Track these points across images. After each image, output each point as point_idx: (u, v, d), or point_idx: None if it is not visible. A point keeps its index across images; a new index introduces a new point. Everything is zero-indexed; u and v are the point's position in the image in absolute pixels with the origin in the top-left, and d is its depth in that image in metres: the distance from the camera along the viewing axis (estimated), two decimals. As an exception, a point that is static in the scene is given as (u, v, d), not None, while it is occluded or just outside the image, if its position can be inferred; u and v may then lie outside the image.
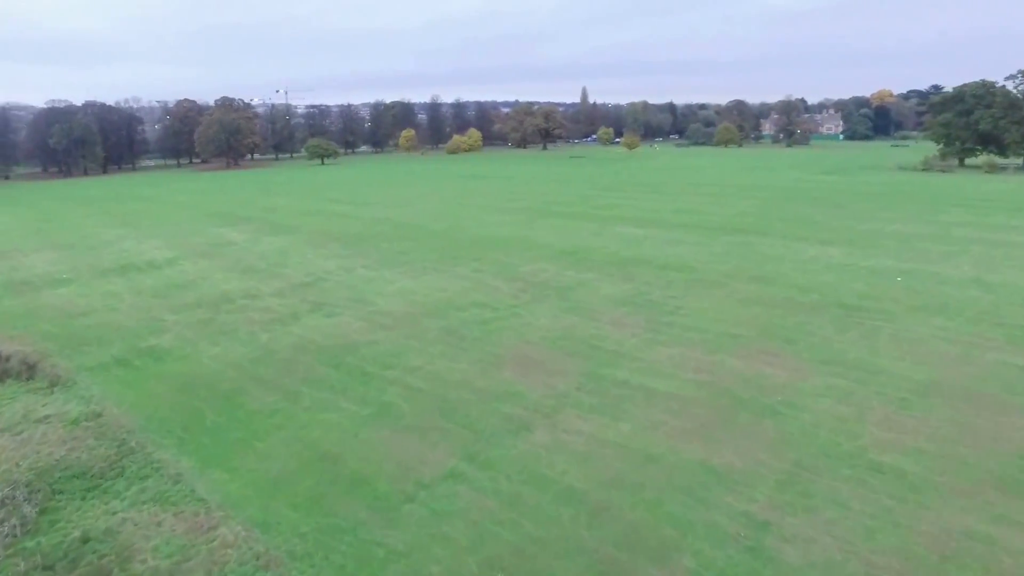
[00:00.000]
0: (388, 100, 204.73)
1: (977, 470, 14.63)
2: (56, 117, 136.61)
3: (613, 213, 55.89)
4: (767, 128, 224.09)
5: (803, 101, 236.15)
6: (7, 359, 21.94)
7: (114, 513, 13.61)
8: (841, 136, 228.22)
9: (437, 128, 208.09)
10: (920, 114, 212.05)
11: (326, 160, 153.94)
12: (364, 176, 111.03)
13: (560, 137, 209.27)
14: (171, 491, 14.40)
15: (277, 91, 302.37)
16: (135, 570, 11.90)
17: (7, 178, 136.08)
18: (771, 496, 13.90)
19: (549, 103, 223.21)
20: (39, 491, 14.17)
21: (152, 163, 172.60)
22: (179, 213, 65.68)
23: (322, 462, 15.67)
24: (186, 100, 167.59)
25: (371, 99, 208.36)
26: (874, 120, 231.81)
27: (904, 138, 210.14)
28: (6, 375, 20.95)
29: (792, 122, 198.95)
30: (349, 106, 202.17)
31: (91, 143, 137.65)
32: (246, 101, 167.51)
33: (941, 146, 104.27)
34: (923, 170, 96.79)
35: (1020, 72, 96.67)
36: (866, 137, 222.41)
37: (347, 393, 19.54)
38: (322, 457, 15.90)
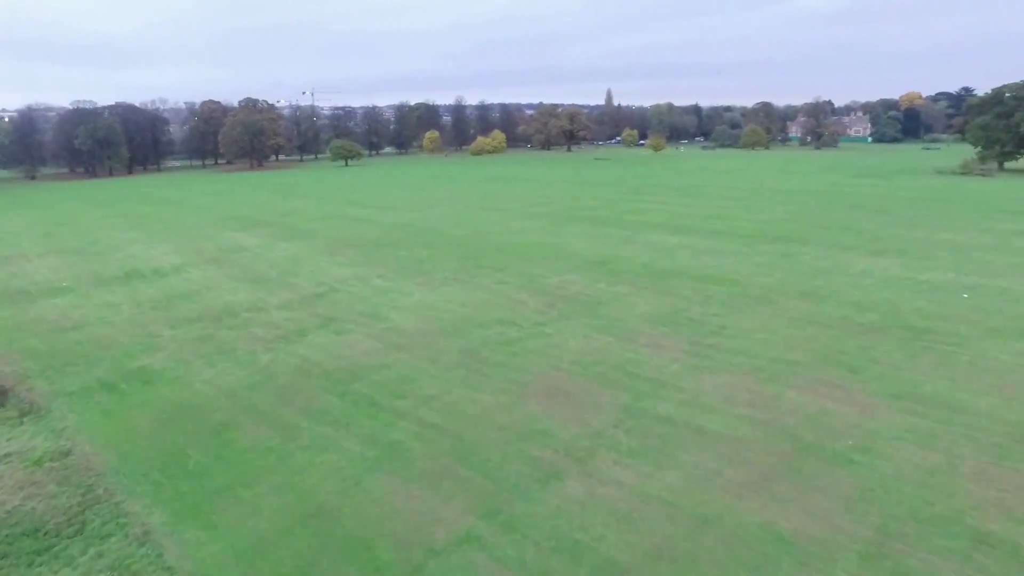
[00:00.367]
0: (413, 101, 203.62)
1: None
2: (81, 118, 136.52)
3: (643, 219, 53.07)
4: (794, 130, 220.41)
5: (830, 103, 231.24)
6: (-21, 382, 19.86)
7: (62, 586, 11.37)
8: (869, 139, 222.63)
9: (461, 130, 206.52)
10: (950, 116, 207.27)
11: (350, 161, 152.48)
12: (386, 178, 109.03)
13: (584, 139, 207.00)
14: (134, 556, 12.12)
15: (303, 93, 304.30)
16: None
17: (33, 178, 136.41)
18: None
19: (573, 105, 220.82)
20: (-21, 554, 11.96)
21: (177, 164, 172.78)
22: (194, 216, 64.09)
23: (316, 519, 13.32)
24: (211, 101, 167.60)
25: (396, 100, 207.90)
26: (903, 123, 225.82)
27: (934, 141, 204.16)
28: (-26, 401, 18.85)
29: (820, 124, 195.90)
30: (374, 107, 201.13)
31: (116, 144, 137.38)
32: (270, 102, 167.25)
33: (979, 149, 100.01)
34: (962, 174, 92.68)
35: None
36: (895, 140, 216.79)
37: (351, 428, 17.19)
38: (317, 512, 13.56)
